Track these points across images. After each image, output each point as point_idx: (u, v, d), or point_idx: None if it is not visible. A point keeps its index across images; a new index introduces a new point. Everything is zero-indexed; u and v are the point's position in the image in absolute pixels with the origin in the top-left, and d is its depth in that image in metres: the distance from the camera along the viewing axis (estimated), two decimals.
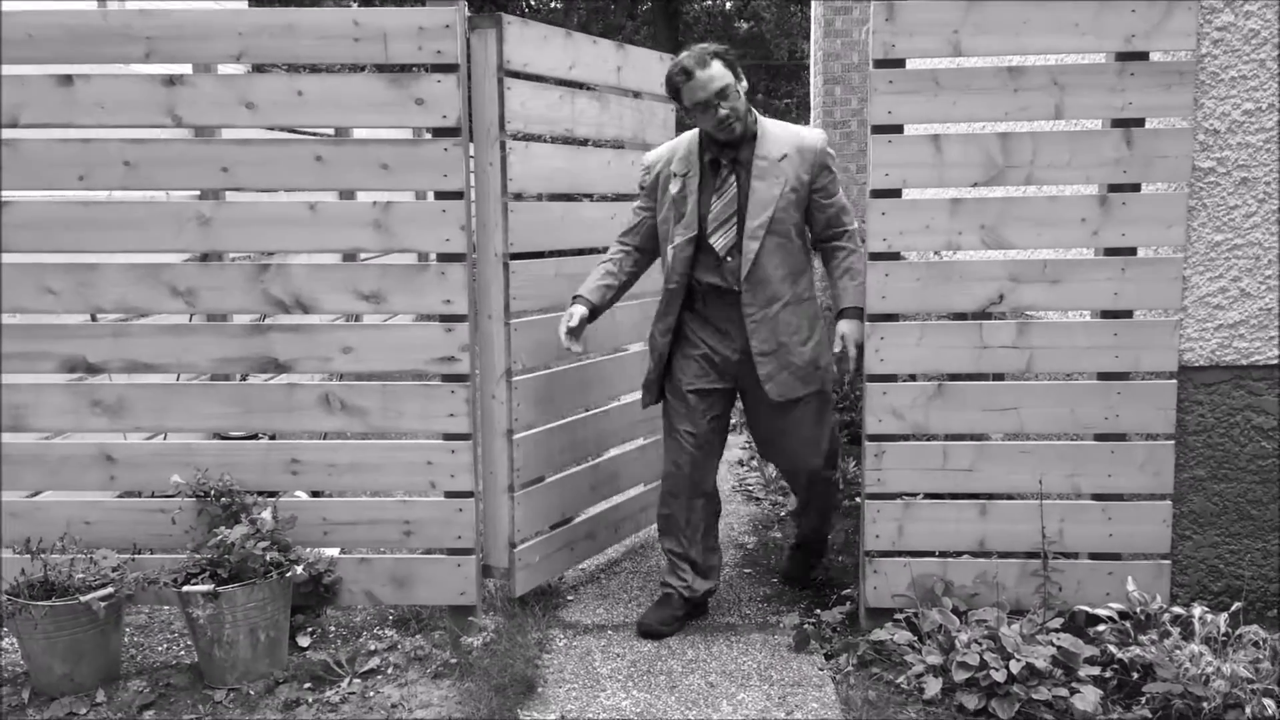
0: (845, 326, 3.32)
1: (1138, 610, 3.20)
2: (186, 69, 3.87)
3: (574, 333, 3.32)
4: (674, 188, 3.33)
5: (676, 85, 3.21)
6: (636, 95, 4.01)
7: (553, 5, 25.95)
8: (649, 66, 4.07)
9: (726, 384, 3.47)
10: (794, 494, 3.76)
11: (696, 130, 3.35)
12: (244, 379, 4.05)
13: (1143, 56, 3.18)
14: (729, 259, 3.30)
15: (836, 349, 3.31)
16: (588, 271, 3.69)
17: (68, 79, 3.20)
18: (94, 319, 3.80)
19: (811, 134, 3.34)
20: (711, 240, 3.28)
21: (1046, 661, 2.91)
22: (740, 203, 3.27)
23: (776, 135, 3.30)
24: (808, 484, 3.58)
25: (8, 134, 3.29)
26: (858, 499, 3.79)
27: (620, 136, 3.92)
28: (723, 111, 3.18)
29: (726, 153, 3.29)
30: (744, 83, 3.24)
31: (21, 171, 3.23)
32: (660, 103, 4.18)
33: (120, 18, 3.19)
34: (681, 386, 3.48)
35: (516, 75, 3.37)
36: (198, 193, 3.96)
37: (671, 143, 3.44)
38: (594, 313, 3.40)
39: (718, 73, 3.17)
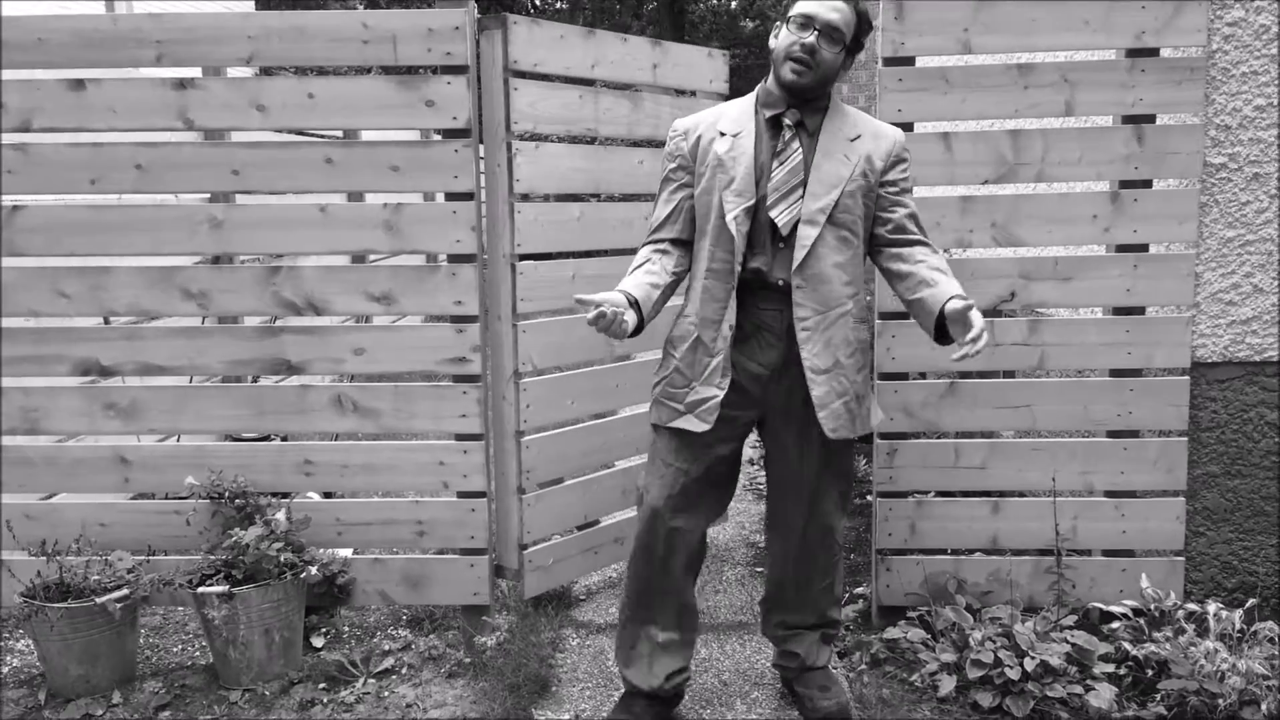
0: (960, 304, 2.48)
1: (1152, 607, 3.20)
2: (196, 72, 3.88)
3: (610, 326, 2.45)
4: (721, 147, 2.64)
5: None
6: (680, 93, 3.92)
7: (558, 6, 25.95)
8: (695, 63, 3.91)
9: (749, 412, 2.74)
10: (786, 571, 2.91)
11: (752, 94, 2.72)
12: (255, 381, 4.07)
13: (1153, 53, 3.17)
14: (780, 244, 2.61)
15: (969, 335, 2.41)
16: (611, 274, 3.66)
17: (79, 83, 3.22)
18: (107, 322, 3.82)
19: (891, 128, 2.73)
20: (773, 213, 2.58)
21: (1061, 659, 2.91)
22: (805, 175, 2.60)
23: (852, 115, 2.68)
24: (820, 547, 2.87)
25: (21, 138, 3.30)
26: (869, 497, 3.79)
27: (657, 135, 3.87)
28: (809, 39, 2.50)
29: (790, 113, 2.62)
30: (848, 67, 2.64)
31: (34, 176, 3.25)
32: (712, 100, 3.98)
33: (131, 22, 3.20)
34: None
35: (525, 75, 3.36)
36: (207, 195, 3.96)
37: (716, 107, 2.78)
38: (637, 310, 2.57)
39: (845, 12, 2.55)
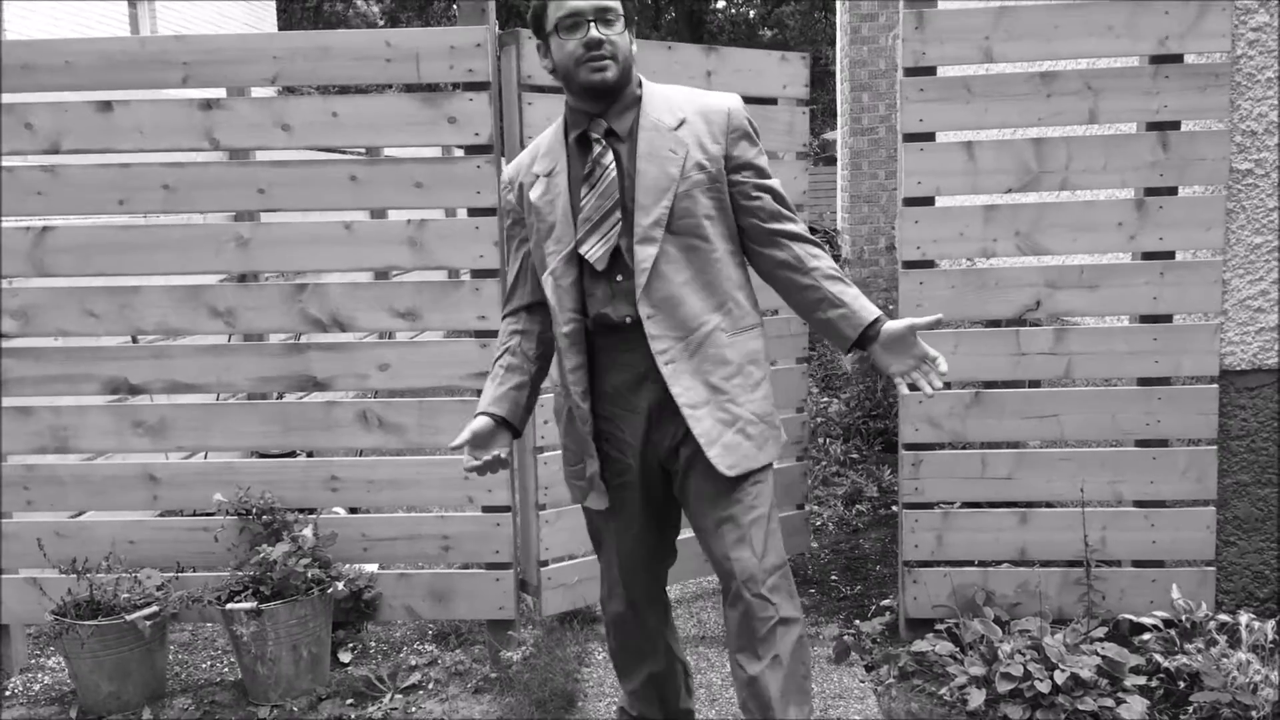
0: (895, 332, 2.20)
1: (1183, 618, 3.16)
2: (222, 93, 3.92)
3: (476, 449, 2.29)
4: (535, 192, 2.28)
5: (543, 2, 2.22)
6: (749, 101, 3.86)
7: None
8: (762, 69, 3.70)
9: (645, 467, 2.33)
10: (736, 656, 2.27)
11: (559, 120, 2.35)
12: (280, 397, 4.09)
13: (1177, 59, 3.16)
14: (619, 278, 2.21)
15: (903, 368, 2.20)
16: None
17: (107, 105, 3.25)
18: (135, 340, 3.86)
19: (720, 97, 2.30)
20: (582, 250, 2.21)
21: (1091, 671, 2.88)
22: (624, 191, 2.21)
23: (669, 97, 2.28)
24: (744, 611, 2.23)
25: (50, 160, 3.35)
26: (894, 508, 3.77)
27: None
28: (595, 34, 2.14)
29: (597, 124, 2.23)
30: (633, 42, 2.26)
31: (63, 197, 3.28)
32: (786, 108, 3.78)
33: (157, 44, 3.24)
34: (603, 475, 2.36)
35: (543, 90, 3.36)
36: (232, 214, 4.00)
37: (530, 146, 2.40)
38: (507, 424, 2.34)
39: None
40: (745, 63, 3.69)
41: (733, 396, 2.23)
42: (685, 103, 2.27)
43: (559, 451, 3.48)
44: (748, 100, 3.65)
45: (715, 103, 2.27)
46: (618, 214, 2.20)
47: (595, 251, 2.20)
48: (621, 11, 2.21)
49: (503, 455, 2.27)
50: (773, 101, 3.80)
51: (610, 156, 2.22)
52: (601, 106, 2.23)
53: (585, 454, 2.32)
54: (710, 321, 2.22)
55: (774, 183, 2.29)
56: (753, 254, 2.31)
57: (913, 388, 2.19)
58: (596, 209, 2.21)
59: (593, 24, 2.16)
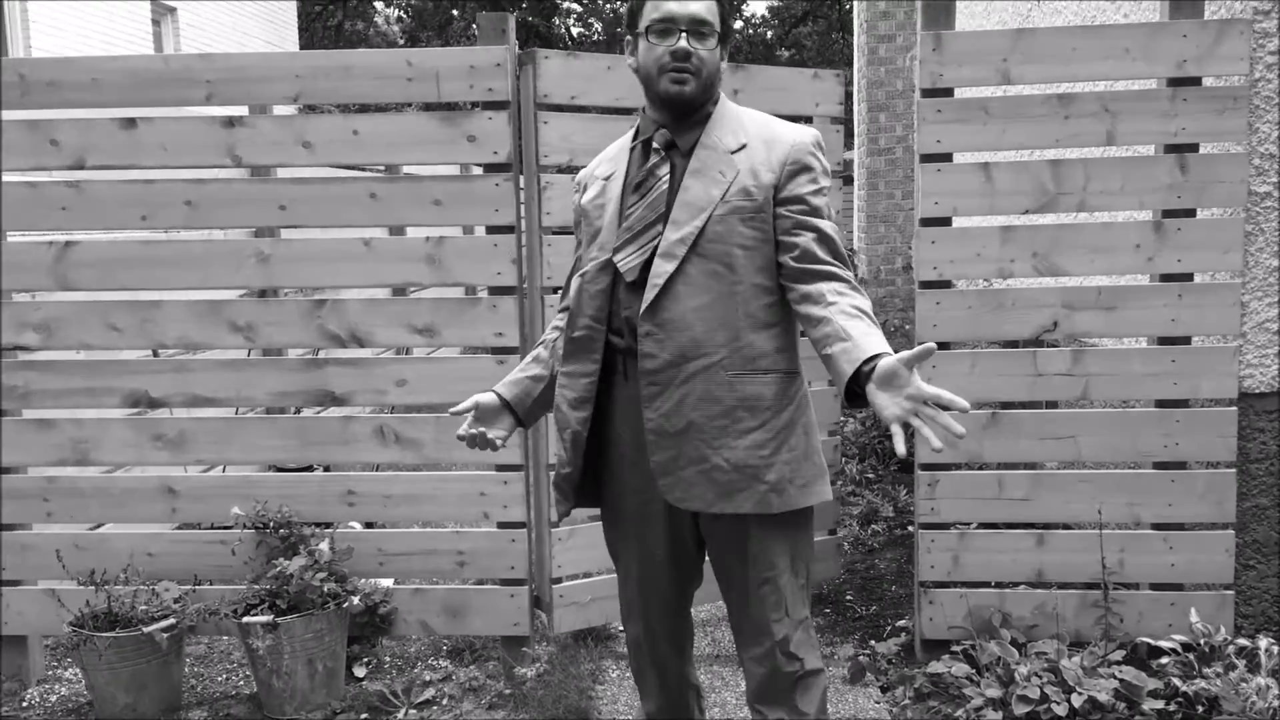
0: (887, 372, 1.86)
1: (1201, 642, 3.14)
2: (243, 111, 3.96)
3: (478, 422, 2.25)
4: (588, 196, 2.25)
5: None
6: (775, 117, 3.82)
7: (595, 38, 26.24)
8: (792, 86, 3.66)
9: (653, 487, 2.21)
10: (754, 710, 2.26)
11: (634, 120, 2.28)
12: (297, 412, 4.12)
13: (1195, 82, 3.16)
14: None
15: (897, 411, 1.84)
16: None
17: (131, 122, 3.29)
18: (156, 354, 3.89)
19: (795, 128, 2.18)
20: (617, 259, 2.13)
21: (1109, 695, 2.86)
22: (668, 206, 2.12)
23: (740, 118, 2.18)
24: (767, 677, 2.19)
25: (75, 175, 3.39)
26: (910, 528, 3.76)
27: None
28: (682, 45, 2.06)
29: (661, 134, 2.15)
30: (725, 60, 2.19)
31: (87, 212, 3.32)
32: (820, 127, 3.63)
33: (182, 62, 3.28)
34: (623, 497, 2.27)
35: (561, 109, 3.38)
36: (253, 230, 4.04)
37: (609, 147, 2.36)
38: (511, 409, 2.30)
39: (706, 2, 2.11)
40: (774, 80, 3.64)
41: (707, 437, 2.08)
42: (754, 127, 2.17)
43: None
44: (782, 118, 3.65)
45: (783, 132, 2.16)
46: (659, 227, 2.11)
47: (629, 262, 2.11)
48: (718, 27, 2.12)
49: (495, 440, 2.17)
50: (804, 120, 3.75)
51: (665, 169, 2.14)
52: (673, 117, 2.15)
53: (571, 462, 2.22)
54: (714, 356, 2.08)
55: (823, 224, 2.10)
56: (784, 289, 2.13)
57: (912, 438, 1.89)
58: (640, 220, 2.13)
59: (685, 35, 2.08)
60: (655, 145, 2.15)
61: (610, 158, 2.28)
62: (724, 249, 2.08)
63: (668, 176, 2.13)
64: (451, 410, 2.21)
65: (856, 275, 2.14)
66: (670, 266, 2.07)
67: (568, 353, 2.22)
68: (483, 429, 2.18)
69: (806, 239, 2.08)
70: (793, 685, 2.18)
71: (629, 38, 2.19)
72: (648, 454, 2.13)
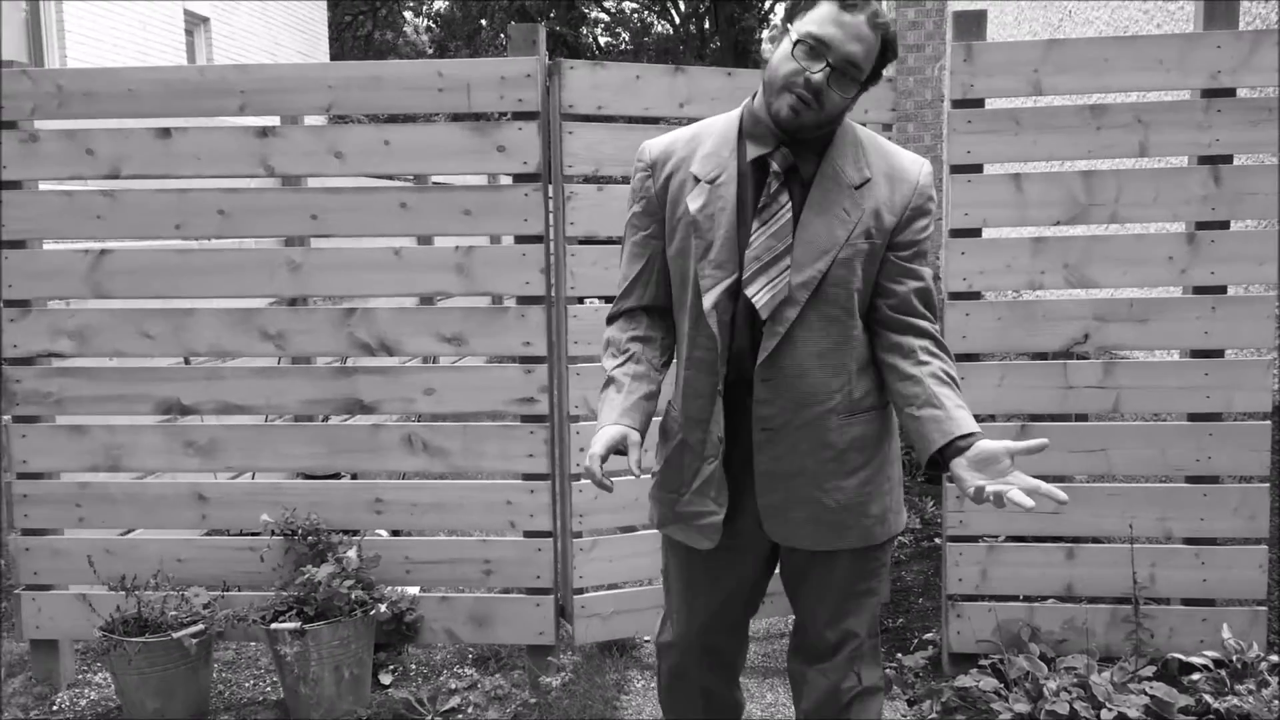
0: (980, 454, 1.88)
1: (1234, 658, 3.10)
2: (276, 121, 4.00)
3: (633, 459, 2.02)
4: (695, 201, 2.03)
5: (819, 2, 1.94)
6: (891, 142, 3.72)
7: (622, 48, 26.32)
8: None
9: (760, 533, 2.15)
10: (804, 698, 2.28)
11: (735, 112, 2.11)
12: (326, 420, 4.14)
13: (1229, 93, 3.13)
14: (763, 325, 2.01)
15: (984, 481, 1.86)
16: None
17: (166, 132, 3.33)
18: (188, 362, 3.93)
19: (915, 160, 2.07)
20: (749, 292, 1.99)
21: (1139, 711, 2.84)
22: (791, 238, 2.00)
23: (860, 143, 2.05)
24: (828, 692, 2.21)
25: (110, 184, 3.43)
26: (938, 540, 3.74)
27: None
28: (819, 78, 1.89)
29: (779, 154, 2.00)
30: (856, 96, 1.99)
31: (122, 221, 3.36)
32: (883, 132, 3.50)
33: (217, 73, 3.32)
34: (698, 530, 2.15)
35: (590, 119, 3.38)
36: (284, 239, 4.07)
37: (692, 128, 2.14)
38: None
39: (869, 41, 1.92)
40: None
41: (818, 480, 2.05)
42: (876, 158, 2.04)
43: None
44: None
45: (906, 166, 2.04)
46: (788, 260, 1.98)
47: (764, 297, 1.97)
48: (863, 76, 1.95)
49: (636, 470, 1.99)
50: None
51: (786, 195, 1.99)
52: (785, 137, 1.99)
53: (698, 492, 2.10)
54: (829, 402, 2.03)
55: (925, 272, 2.05)
56: (871, 332, 2.08)
57: (997, 501, 1.83)
58: (768, 250, 1.98)
59: (830, 69, 1.90)
60: (776, 168, 1.99)
61: (708, 154, 2.06)
62: (845, 293, 2.00)
63: (789, 204, 1.99)
64: (588, 463, 1.98)
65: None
66: (793, 313, 1.98)
67: (690, 371, 2.09)
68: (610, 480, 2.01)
69: (908, 288, 2.04)
70: (852, 701, 2.20)
71: (779, 24, 2.00)
72: (749, 492, 2.10)
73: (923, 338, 2.03)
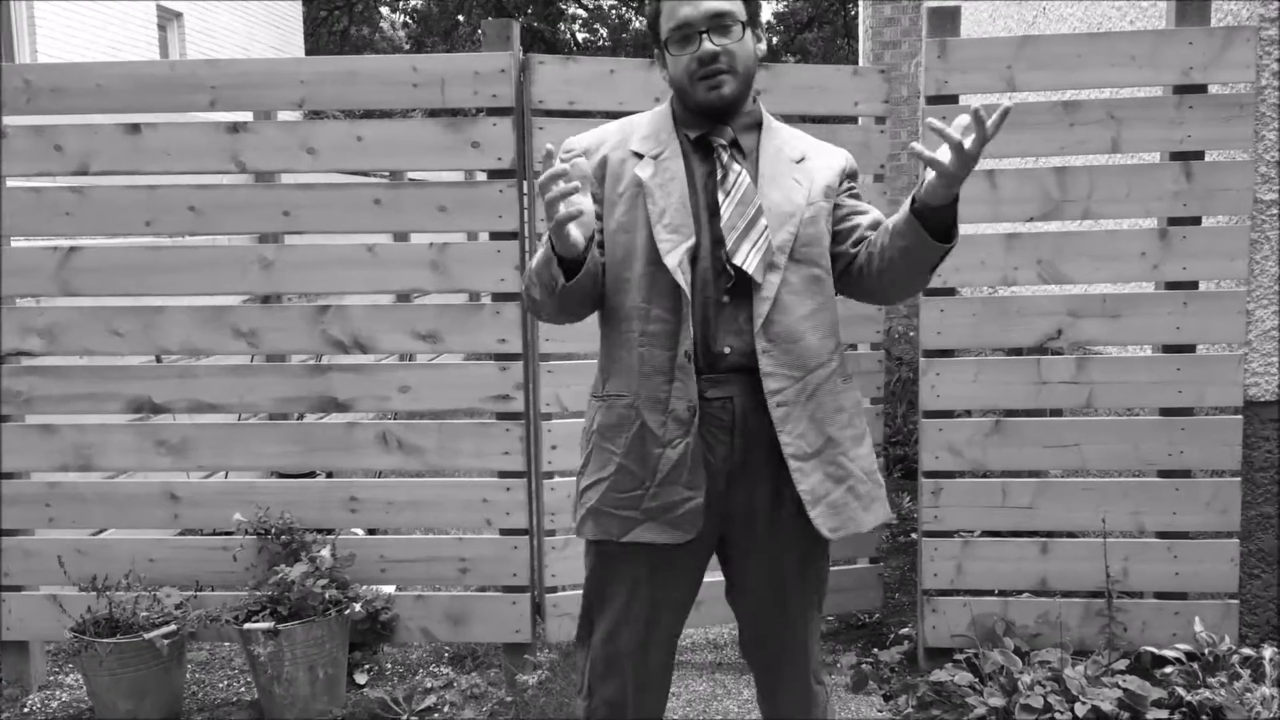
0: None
1: (1206, 651, 3.12)
2: (249, 116, 3.96)
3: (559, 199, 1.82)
4: (644, 170, 2.02)
5: (657, 1, 2.03)
6: (818, 120, 3.68)
7: (600, 44, 26.28)
8: (829, 84, 3.50)
9: (711, 523, 2.04)
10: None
11: (663, 106, 2.13)
12: (300, 418, 4.12)
13: (1201, 89, 3.15)
14: (725, 299, 2.00)
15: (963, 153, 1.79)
16: None
17: (135, 127, 3.30)
18: (159, 360, 3.89)
19: (831, 145, 2.17)
20: (736, 258, 1.96)
21: (1113, 704, 2.85)
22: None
23: (789, 133, 2.13)
24: (798, 700, 2.19)
25: (79, 181, 3.39)
26: (914, 536, 3.75)
27: None
28: (709, 46, 1.95)
29: (721, 130, 2.04)
30: (761, 41, 2.06)
31: (91, 217, 3.32)
32: (860, 127, 3.60)
33: (187, 67, 3.29)
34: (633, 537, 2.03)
35: (564, 114, 3.36)
36: (257, 236, 4.03)
37: (619, 121, 2.16)
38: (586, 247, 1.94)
39: None
40: (806, 79, 3.49)
41: (845, 449, 2.03)
42: (807, 144, 2.12)
43: (568, 478, 3.46)
44: (812, 119, 3.50)
45: (831, 149, 2.14)
46: (764, 221, 1.98)
47: (753, 260, 1.95)
48: (741, 15, 1.99)
49: (578, 225, 1.86)
50: (843, 120, 3.65)
51: (739, 165, 2.02)
52: (719, 122, 2.04)
53: (668, 480, 1.98)
54: (829, 363, 2.03)
55: (873, 208, 2.14)
56: (854, 272, 2.08)
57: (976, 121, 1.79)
58: (741, 215, 1.97)
59: (706, 35, 1.96)
60: (721, 142, 2.03)
61: (646, 135, 2.07)
62: (818, 251, 2.04)
63: (744, 171, 2.01)
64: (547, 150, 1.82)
65: None
66: (776, 277, 1.98)
67: (645, 347, 1.99)
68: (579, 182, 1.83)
69: (867, 218, 2.09)
70: (824, 704, 2.20)
71: (657, 51, 2.09)
72: (736, 492, 2.02)
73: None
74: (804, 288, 2.01)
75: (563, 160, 1.95)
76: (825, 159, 2.10)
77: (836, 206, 2.09)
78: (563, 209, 1.80)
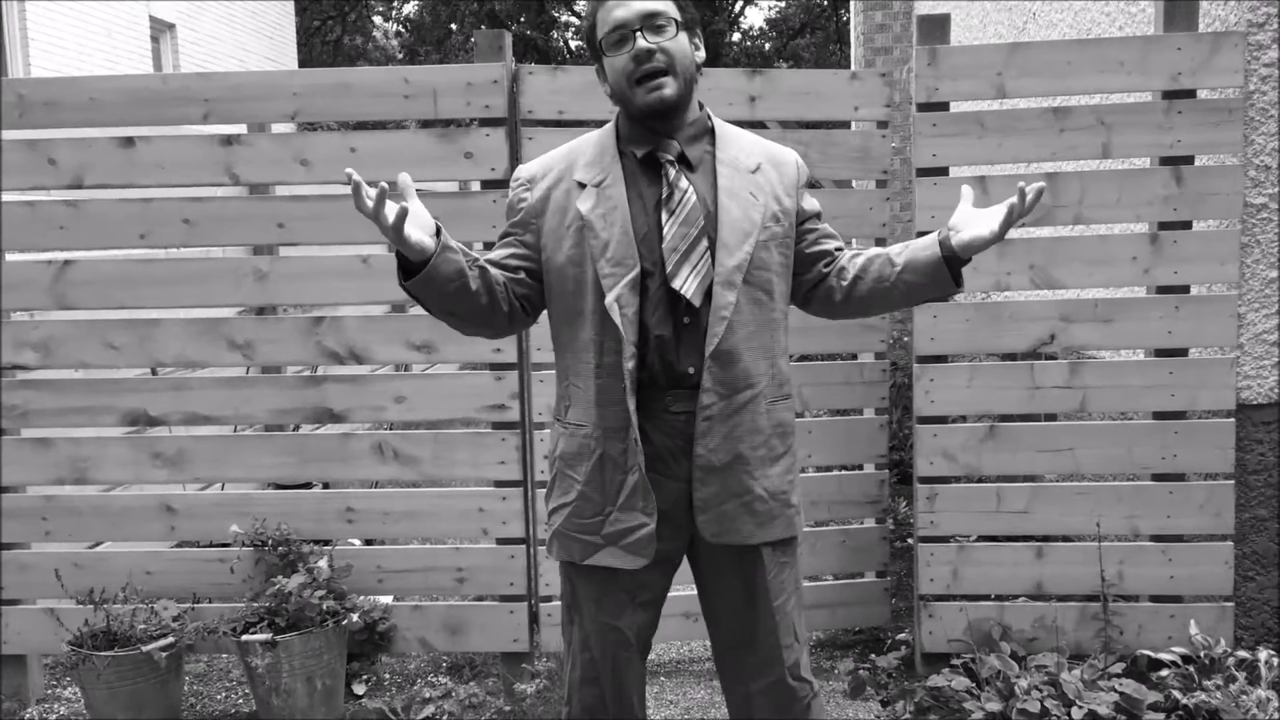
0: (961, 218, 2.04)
1: (1201, 654, 3.14)
2: (242, 129, 3.97)
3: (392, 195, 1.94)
4: (585, 202, 2.02)
5: (593, 11, 2.03)
6: (807, 125, 3.55)
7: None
8: (824, 89, 3.43)
9: (676, 541, 2.11)
10: None
11: (608, 126, 2.12)
12: (295, 429, 4.12)
13: (1190, 94, 3.17)
14: (685, 320, 2.01)
15: (985, 226, 1.98)
16: None
17: (129, 140, 3.30)
18: (154, 373, 3.89)
19: (780, 146, 2.18)
20: (675, 283, 1.97)
21: (1109, 708, 2.86)
22: (712, 225, 2.02)
23: (742, 138, 2.13)
24: (786, 695, 2.16)
25: (73, 194, 3.40)
26: (909, 541, 3.76)
27: None
28: (643, 44, 1.95)
29: (668, 144, 2.03)
30: (700, 49, 2.06)
31: (85, 231, 3.33)
32: (857, 131, 3.54)
33: (180, 81, 3.30)
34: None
35: (555, 124, 3.37)
36: (251, 248, 4.04)
37: (565, 147, 2.15)
38: (438, 237, 1.94)
39: None
40: (801, 84, 3.44)
41: (751, 468, 2.06)
42: (755, 148, 2.12)
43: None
44: (807, 124, 3.44)
45: (782, 153, 2.14)
46: (705, 244, 1.99)
47: (691, 285, 1.97)
48: (675, 15, 1.99)
49: (389, 215, 1.82)
50: (840, 125, 3.57)
51: (686, 181, 2.02)
52: (668, 127, 2.04)
53: (625, 506, 2.03)
54: (758, 385, 2.05)
55: (839, 237, 2.21)
56: (824, 292, 2.15)
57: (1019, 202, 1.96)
58: (683, 238, 1.98)
59: (640, 34, 1.96)
60: (667, 158, 2.03)
61: (589, 162, 2.07)
62: (766, 276, 2.05)
63: (691, 189, 2.01)
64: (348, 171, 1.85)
65: None
66: (732, 297, 1.99)
67: (602, 379, 2.02)
68: (396, 203, 1.84)
69: (832, 245, 2.16)
70: (806, 710, 2.17)
71: (597, 67, 2.09)
72: (682, 498, 2.05)
73: (847, 252, 2.17)
74: (751, 309, 2.03)
75: (513, 185, 2.12)
76: (780, 170, 2.11)
77: (802, 234, 2.13)
78: (390, 216, 1.81)
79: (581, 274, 2.02)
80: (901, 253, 2.07)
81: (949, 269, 2.00)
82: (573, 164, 2.09)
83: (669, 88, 1.98)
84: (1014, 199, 1.95)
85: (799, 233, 2.12)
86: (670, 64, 1.98)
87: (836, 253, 2.16)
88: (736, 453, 2.04)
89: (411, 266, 1.92)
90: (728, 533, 2.06)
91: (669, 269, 1.98)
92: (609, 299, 1.98)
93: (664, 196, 2.01)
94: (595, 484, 2.06)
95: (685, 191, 2.01)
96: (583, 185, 2.05)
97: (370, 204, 1.82)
